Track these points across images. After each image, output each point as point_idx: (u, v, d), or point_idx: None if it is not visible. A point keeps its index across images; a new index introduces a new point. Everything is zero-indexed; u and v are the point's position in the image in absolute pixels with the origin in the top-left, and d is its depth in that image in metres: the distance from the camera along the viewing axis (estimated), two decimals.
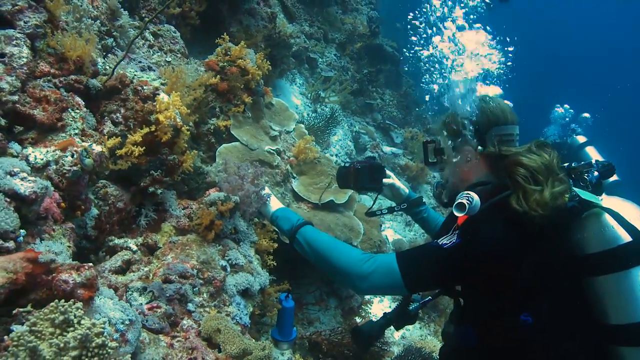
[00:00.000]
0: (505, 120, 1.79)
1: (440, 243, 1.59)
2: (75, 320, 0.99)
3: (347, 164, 2.48)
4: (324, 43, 7.72)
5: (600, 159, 6.10)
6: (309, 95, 6.14)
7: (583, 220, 1.52)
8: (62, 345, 0.95)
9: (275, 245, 2.59)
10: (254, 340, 1.99)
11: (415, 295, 2.18)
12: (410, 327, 4.43)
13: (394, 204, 2.50)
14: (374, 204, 2.53)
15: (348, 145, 6.12)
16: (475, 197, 1.56)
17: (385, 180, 2.48)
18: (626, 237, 1.43)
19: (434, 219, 2.53)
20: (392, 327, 2.22)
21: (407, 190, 2.52)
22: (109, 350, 0.99)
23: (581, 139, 6.61)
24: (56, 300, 1.03)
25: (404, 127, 8.44)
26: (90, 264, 1.34)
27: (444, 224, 1.90)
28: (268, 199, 2.28)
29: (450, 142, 1.94)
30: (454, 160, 1.92)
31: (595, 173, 1.66)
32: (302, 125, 4.22)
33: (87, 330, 0.96)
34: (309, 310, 3.49)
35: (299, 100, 5.87)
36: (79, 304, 1.04)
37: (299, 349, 3.02)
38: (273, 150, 3.45)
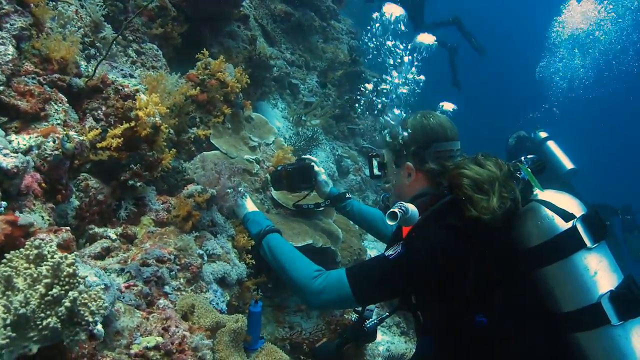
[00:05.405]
0: (445, 137, 1.82)
1: (386, 254, 1.64)
2: (49, 256, 1.06)
3: (279, 168, 2.73)
4: (306, 70, 7.98)
5: (561, 152, 6.71)
6: (291, 118, 6.31)
7: (521, 216, 1.59)
8: (35, 275, 1.03)
9: (253, 242, 2.66)
10: None
11: (367, 313, 2.22)
12: (395, 339, 4.45)
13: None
14: (304, 197, 2.84)
15: (330, 167, 6.26)
16: (411, 207, 1.62)
17: (321, 177, 2.75)
18: (563, 226, 1.50)
19: (359, 212, 2.67)
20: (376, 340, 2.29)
21: (330, 188, 2.76)
22: (79, 279, 1.06)
23: (543, 134, 6.97)
24: (31, 239, 1.11)
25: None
26: (67, 227, 1.42)
27: (393, 236, 1.95)
28: (245, 193, 2.38)
29: (392, 157, 1.97)
30: (396, 175, 1.95)
31: (528, 169, 1.71)
32: (282, 139, 4.36)
33: (59, 259, 1.03)
34: (291, 316, 3.51)
35: (280, 123, 6.03)
36: (54, 243, 1.12)
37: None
38: (252, 159, 3.57)
